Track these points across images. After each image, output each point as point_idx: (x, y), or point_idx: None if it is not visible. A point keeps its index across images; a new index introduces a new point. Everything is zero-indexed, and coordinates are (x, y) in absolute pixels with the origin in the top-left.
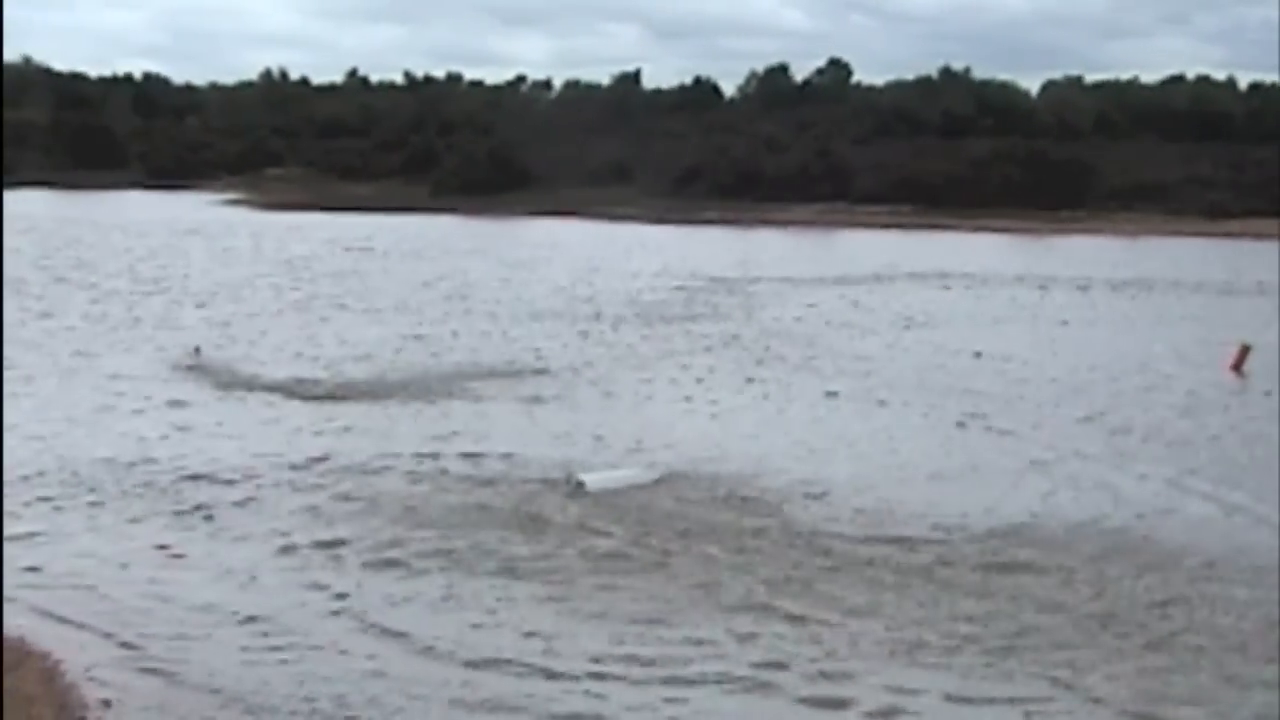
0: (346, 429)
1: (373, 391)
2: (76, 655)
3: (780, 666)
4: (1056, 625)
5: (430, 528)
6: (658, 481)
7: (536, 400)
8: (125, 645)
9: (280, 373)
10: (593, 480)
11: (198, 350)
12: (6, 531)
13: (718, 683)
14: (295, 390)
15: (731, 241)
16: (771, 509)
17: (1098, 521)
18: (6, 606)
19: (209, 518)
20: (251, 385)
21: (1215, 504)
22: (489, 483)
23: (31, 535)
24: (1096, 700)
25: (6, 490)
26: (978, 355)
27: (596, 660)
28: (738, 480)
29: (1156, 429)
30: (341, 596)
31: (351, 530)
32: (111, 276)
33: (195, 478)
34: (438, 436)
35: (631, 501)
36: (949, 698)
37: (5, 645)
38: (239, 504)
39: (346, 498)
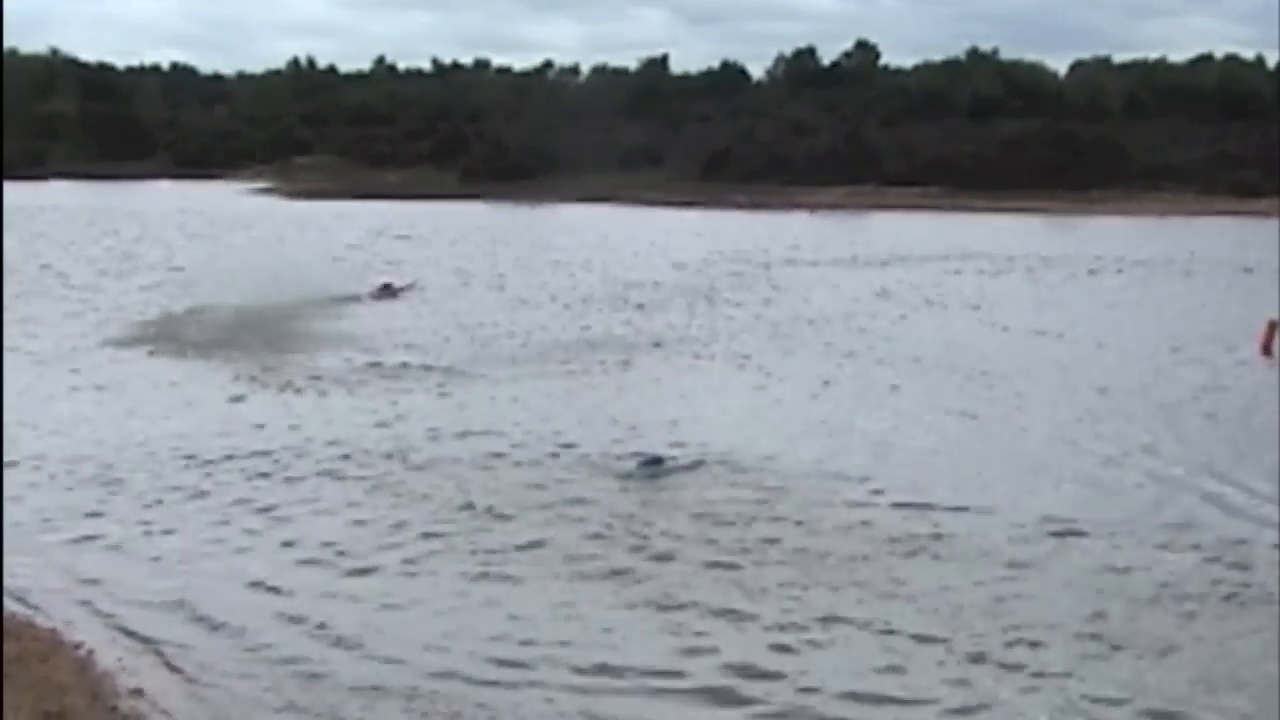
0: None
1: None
2: (109, 646)
3: None
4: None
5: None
6: (696, 464)
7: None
8: (154, 639)
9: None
10: (648, 467)
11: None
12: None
13: None
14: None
15: (762, 224)
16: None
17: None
18: (44, 598)
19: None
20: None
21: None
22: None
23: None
24: None
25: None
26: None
27: None
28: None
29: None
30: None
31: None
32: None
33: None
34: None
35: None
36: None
37: (37, 636)
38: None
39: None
